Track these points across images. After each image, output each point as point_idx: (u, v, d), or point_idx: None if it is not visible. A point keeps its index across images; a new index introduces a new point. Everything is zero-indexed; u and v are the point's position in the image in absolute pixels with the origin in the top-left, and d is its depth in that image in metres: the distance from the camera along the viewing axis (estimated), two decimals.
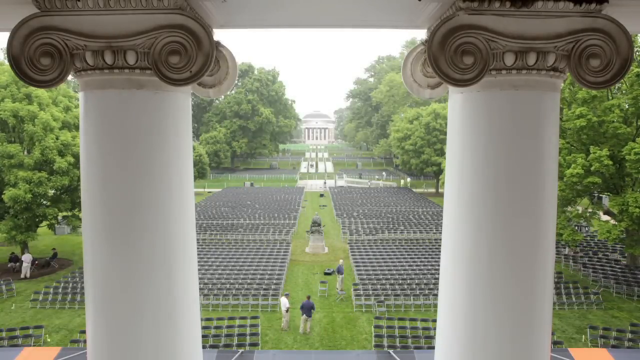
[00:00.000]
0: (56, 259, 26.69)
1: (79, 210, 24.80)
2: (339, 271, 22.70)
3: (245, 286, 21.04)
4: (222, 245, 30.34)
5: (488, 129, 4.01)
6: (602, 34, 3.70)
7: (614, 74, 3.75)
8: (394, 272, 23.53)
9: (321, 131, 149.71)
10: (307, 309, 17.49)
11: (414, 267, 24.35)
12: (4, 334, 16.29)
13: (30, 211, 24.08)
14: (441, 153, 50.26)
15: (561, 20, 3.71)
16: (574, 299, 20.04)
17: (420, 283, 21.47)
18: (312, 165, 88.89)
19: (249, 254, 27.13)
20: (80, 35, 3.69)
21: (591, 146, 20.93)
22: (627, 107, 21.48)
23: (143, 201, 4.00)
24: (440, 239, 4.74)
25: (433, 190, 58.70)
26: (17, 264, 24.74)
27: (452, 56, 3.71)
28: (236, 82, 7.69)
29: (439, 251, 4.82)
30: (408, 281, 21.77)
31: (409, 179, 68.66)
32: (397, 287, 21.10)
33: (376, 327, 16.78)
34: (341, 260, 24.34)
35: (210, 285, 21.02)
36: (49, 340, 16.80)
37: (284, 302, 17.96)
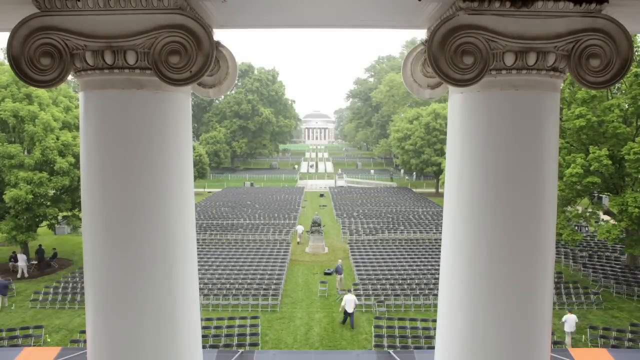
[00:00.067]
0: (56, 259, 26.69)
1: (79, 210, 24.80)
2: (338, 271, 22.73)
3: (245, 286, 21.04)
4: (222, 245, 30.33)
5: (488, 129, 4.01)
6: (602, 34, 3.70)
7: (614, 74, 3.75)
8: (394, 272, 23.53)
9: (321, 131, 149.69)
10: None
11: (414, 267, 24.35)
12: (4, 334, 16.29)
13: (31, 211, 24.08)
14: (441, 153, 50.26)
15: (561, 20, 3.71)
16: (574, 299, 20.04)
17: (420, 283, 21.47)
18: (312, 166, 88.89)
19: (249, 254, 27.13)
20: (80, 35, 3.69)
21: (591, 146, 20.93)
22: (626, 107, 21.48)
23: (143, 201, 4.00)
24: (440, 239, 4.74)
25: (433, 190, 58.71)
26: (17, 263, 24.77)
27: (452, 56, 3.71)
28: (236, 82, 7.69)
29: (439, 251, 4.82)
30: (408, 281, 21.76)
31: (405, 176, 68.96)
32: (397, 287, 21.10)
33: (376, 327, 16.79)
34: (340, 260, 24.34)
35: (210, 285, 21.02)
36: (49, 340, 16.80)
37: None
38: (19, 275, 24.20)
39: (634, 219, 19.87)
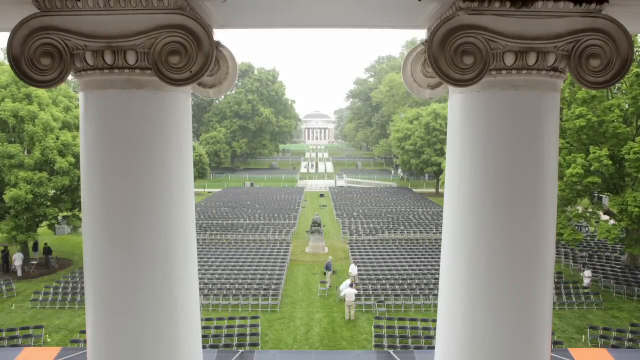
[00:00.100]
0: (56, 259, 26.70)
1: (79, 210, 24.80)
2: (328, 268, 23.00)
3: (245, 286, 21.04)
4: (222, 245, 30.34)
5: (488, 129, 4.01)
6: (602, 34, 3.70)
7: (614, 74, 3.75)
8: (394, 272, 23.54)
9: (321, 131, 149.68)
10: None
11: (414, 267, 24.35)
12: (4, 334, 16.30)
13: (31, 211, 24.09)
14: (441, 153, 50.25)
15: (561, 20, 3.71)
16: (574, 299, 20.04)
17: (420, 283, 21.47)
18: (312, 166, 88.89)
19: (249, 254, 27.13)
20: (80, 35, 3.69)
21: (591, 146, 20.93)
22: (626, 107, 21.49)
23: (143, 201, 4.00)
24: (440, 239, 4.74)
25: (433, 190, 58.71)
26: (15, 263, 24.79)
27: (452, 56, 3.71)
28: (236, 82, 7.69)
29: (439, 251, 4.82)
30: (408, 281, 21.77)
31: (404, 175, 69.14)
32: (397, 287, 21.10)
33: (376, 327, 16.79)
34: (330, 257, 24.75)
35: (210, 285, 21.02)
36: (49, 340, 16.80)
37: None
38: (19, 273, 24.21)
39: (634, 219, 19.88)
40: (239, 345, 15.67)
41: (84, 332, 15.06)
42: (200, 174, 52.69)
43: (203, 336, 12.36)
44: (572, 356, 10.54)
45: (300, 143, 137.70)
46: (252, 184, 66.99)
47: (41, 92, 25.61)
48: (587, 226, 31.04)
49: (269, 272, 23.45)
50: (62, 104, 27.34)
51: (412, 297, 20.02)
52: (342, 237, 32.78)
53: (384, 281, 21.81)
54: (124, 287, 4.04)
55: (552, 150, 4.08)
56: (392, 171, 77.88)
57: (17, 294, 21.59)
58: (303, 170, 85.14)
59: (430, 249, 28.63)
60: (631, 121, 21.77)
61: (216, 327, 16.94)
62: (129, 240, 4.01)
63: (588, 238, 29.86)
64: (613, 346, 15.65)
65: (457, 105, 4.27)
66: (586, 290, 20.71)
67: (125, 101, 3.90)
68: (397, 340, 15.78)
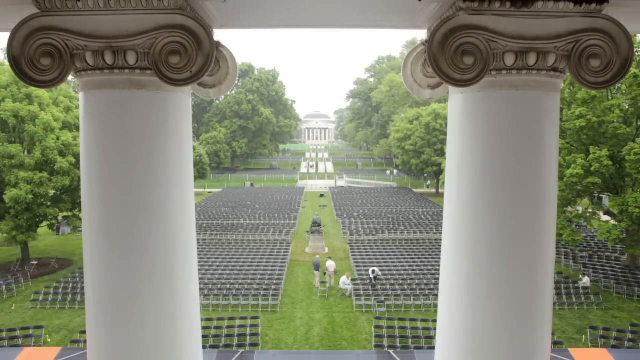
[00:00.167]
0: (56, 259, 26.69)
1: (79, 210, 24.81)
2: (316, 267, 23.22)
3: (245, 286, 21.03)
4: (222, 245, 30.33)
5: (488, 129, 4.01)
6: (602, 34, 3.70)
7: (614, 74, 3.76)
8: (394, 272, 23.53)
9: (321, 131, 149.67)
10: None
11: (414, 267, 24.35)
12: (4, 334, 16.29)
13: (31, 211, 24.09)
14: (441, 153, 50.25)
15: (561, 20, 3.71)
16: (574, 299, 20.04)
17: (420, 283, 21.46)
18: (312, 166, 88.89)
19: (249, 254, 27.13)
20: (80, 35, 3.69)
21: (591, 146, 20.93)
22: (626, 107, 21.48)
23: (143, 201, 4.00)
24: (440, 239, 4.74)
25: (433, 190, 58.71)
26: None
27: (452, 56, 3.71)
28: (236, 82, 7.69)
29: (439, 251, 4.82)
30: (408, 281, 21.77)
31: (395, 171, 69.28)
32: (397, 287, 21.10)
33: (376, 327, 16.78)
34: (317, 256, 25.17)
35: (210, 285, 21.02)
36: (49, 340, 16.79)
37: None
38: None
39: (634, 219, 19.87)
40: (239, 345, 15.66)
41: (84, 332, 15.06)
42: (200, 174, 52.68)
43: (203, 336, 12.36)
44: (572, 356, 10.53)
45: (300, 143, 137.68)
46: (252, 184, 66.99)
47: (41, 92, 25.61)
48: (585, 225, 31.03)
49: (269, 272, 23.45)
50: (63, 104, 27.35)
51: (412, 297, 20.01)
52: (342, 237, 32.78)
53: (384, 281, 21.81)
54: (124, 287, 4.04)
55: (552, 151, 4.08)
56: (388, 171, 77.85)
57: (17, 294, 21.59)
58: (303, 170, 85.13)
59: (430, 249, 28.62)
60: (631, 121, 21.77)
61: (216, 327, 16.93)
62: (129, 240, 4.01)
63: (588, 238, 29.85)
64: (613, 346, 15.64)
65: (457, 106, 4.27)
66: (586, 290, 20.71)
67: (125, 101, 3.90)
68: (397, 340, 15.77)
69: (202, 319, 14.17)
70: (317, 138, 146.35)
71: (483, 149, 4.02)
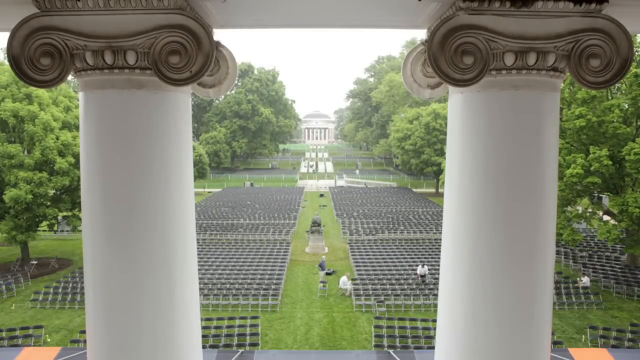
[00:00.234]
0: (56, 259, 26.69)
1: (79, 210, 24.80)
2: (322, 267, 23.41)
3: (245, 286, 21.03)
4: (222, 245, 30.33)
5: (488, 129, 4.01)
6: (602, 34, 3.70)
7: (614, 74, 3.75)
8: (394, 272, 23.53)
9: (321, 131, 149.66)
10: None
11: (414, 267, 24.34)
12: (4, 334, 16.29)
13: (31, 211, 24.10)
14: (441, 153, 50.25)
15: (561, 20, 3.71)
16: (574, 299, 20.04)
17: (420, 283, 21.46)
18: (312, 166, 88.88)
19: (249, 254, 27.13)
20: (80, 35, 3.69)
21: (591, 146, 20.93)
22: (626, 107, 21.48)
23: (143, 201, 4.00)
24: (440, 239, 4.74)
25: (433, 190, 58.71)
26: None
27: (452, 56, 3.71)
28: (236, 82, 7.69)
29: (439, 251, 4.82)
30: (409, 281, 21.77)
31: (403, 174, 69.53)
32: (397, 287, 21.10)
33: (376, 327, 16.78)
34: (323, 257, 25.53)
35: (210, 285, 21.02)
36: (49, 340, 16.79)
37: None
38: None
39: (634, 219, 19.87)
40: (239, 345, 15.66)
41: (84, 332, 15.06)
42: (200, 174, 52.68)
43: (203, 336, 12.36)
44: (572, 356, 10.54)
45: (300, 143, 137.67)
46: (252, 184, 66.99)
47: (41, 92, 25.61)
48: (585, 226, 31.02)
49: (269, 272, 23.45)
50: (63, 104, 27.35)
51: (412, 297, 20.01)
52: (342, 237, 32.78)
53: (384, 281, 21.81)
54: (124, 287, 4.04)
55: (552, 150, 4.08)
56: (389, 169, 77.90)
57: (17, 294, 21.59)
58: (303, 170, 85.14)
59: (430, 249, 28.63)
60: (631, 121, 21.77)
61: (216, 327, 16.93)
62: (129, 240, 4.01)
63: (588, 238, 29.85)
64: (613, 346, 15.65)
65: (457, 106, 4.27)
66: (586, 290, 20.72)
67: (125, 101, 3.90)
68: (397, 340, 15.78)
69: (202, 319, 14.17)
70: (317, 138, 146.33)
71: (483, 149, 4.02)
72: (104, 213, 4.02)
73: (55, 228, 28.06)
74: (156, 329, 4.11)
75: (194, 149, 27.28)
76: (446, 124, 6.03)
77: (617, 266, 24.26)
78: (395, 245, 30.00)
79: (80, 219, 24.63)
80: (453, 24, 3.69)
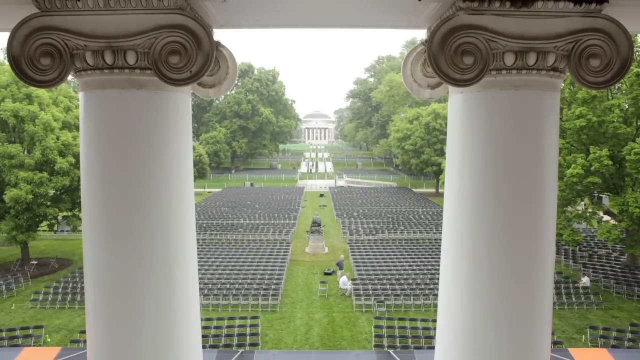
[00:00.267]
0: (56, 259, 26.68)
1: (79, 210, 24.80)
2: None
3: (245, 286, 21.03)
4: (222, 245, 30.33)
5: (488, 129, 4.01)
6: (602, 34, 3.70)
7: (614, 74, 3.75)
8: (394, 272, 23.53)
9: (321, 131, 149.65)
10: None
11: (414, 267, 24.35)
12: (4, 334, 16.29)
13: (31, 211, 24.10)
14: (441, 153, 50.25)
15: (561, 20, 3.71)
16: (574, 299, 20.04)
17: (420, 283, 21.47)
18: (312, 166, 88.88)
19: (249, 254, 27.12)
20: (80, 35, 3.69)
21: (591, 146, 20.93)
22: (627, 107, 21.48)
23: (143, 201, 4.00)
24: (440, 239, 4.74)
25: (433, 190, 58.71)
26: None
27: (452, 56, 3.71)
28: (236, 82, 7.69)
29: (439, 251, 4.82)
30: (409, 281, 21.77)
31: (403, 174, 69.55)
32: (397, 287, 21.10)
33: (376, 327, 16.78)
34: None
35: (210, 285, 21.02)
36: (49, 340, 16.79)
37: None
38: None
39: (634, 219, 19.87)
40: (239, 345, 15.66)
41: (84, 332, 15.06)
42: (200, 174, 52.69)
43: (203, 336, 12.36)
44: (572, 356, 10.53)
45: (300, 143, 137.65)
46: (252, 184, 67.00)
47: (41, 92, 25.61)
48: (585, 225, 31.03)
49: (269, 272, 23.45)
50: (63, 104, 27.35)
51: (412, 297, 20.01)
52: (342, 237, 32.78)
53: (384, 281, 21.81)
54: (124, 287, 4.04)
55: (552, 150, 4.08)
56: (389, 170, 77.86)
57: (17, 294, 21.59)
58: (303, 170, 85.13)
59: (430, 249, 28.62)
60: (631, 121, 21.76)
61: (216, 327, 16.93)
62: (129, 240, 4.01)
63: (588, 238, 29.85)
64: (613, 346, 15.64)
65: (457, 106, 4.27)
66: (586, 290, 20.72)
67: (125, 101, 3.90)
68: (397, 340, 15.77)
69: (202, 319, 14.17)
70: (317, 138, 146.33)
71: (483, 149, 4.02)
72: (104, 213, 4.02)
73: (55, 228, 28.11)
74: (156, 329, 4.11)
75: (194, 149, 27.29)
76: (446, 124, 6.04)
77: (617, 266, 24.26)
78: (395, 245, 30.00)
79: (80, 219, 24.63)
80: (453, 24, 3.69)
